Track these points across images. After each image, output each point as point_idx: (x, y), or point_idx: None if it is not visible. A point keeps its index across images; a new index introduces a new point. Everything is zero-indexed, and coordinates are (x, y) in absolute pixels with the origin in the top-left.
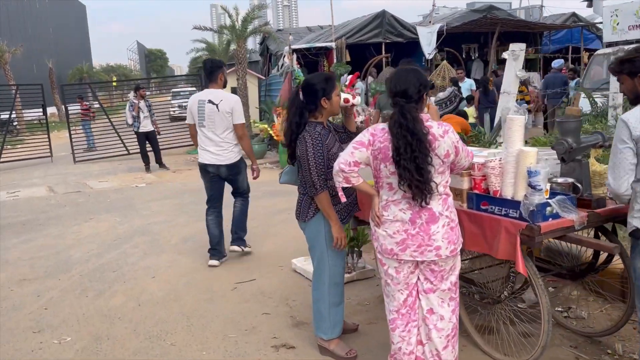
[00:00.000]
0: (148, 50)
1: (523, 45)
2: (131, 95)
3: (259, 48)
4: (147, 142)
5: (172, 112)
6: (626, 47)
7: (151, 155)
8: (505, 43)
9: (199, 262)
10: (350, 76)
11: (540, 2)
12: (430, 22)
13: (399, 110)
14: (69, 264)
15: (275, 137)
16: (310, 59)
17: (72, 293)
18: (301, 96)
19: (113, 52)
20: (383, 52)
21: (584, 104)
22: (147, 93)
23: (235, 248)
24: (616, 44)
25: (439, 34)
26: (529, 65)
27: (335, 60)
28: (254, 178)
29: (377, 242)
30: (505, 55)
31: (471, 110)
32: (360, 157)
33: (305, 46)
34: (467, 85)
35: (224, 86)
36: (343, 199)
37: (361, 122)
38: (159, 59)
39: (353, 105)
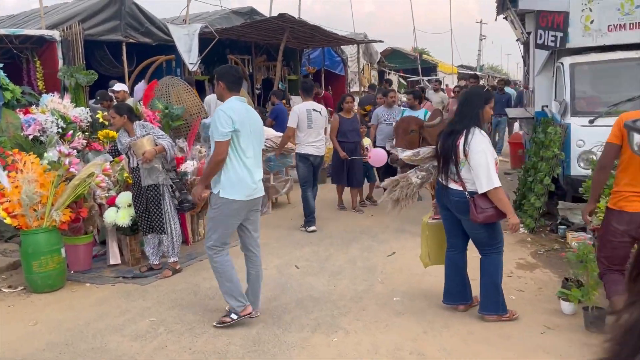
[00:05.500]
0: None
1: None
2: None
3: None
4: None
5: None
6: (584, 59)
7: None
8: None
9: None
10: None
11: (298, 13)
12: (184, 20)
13: None
14: None
15: (8, 221)
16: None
17: None
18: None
19: None
20: (124, 55)
21: None
22: None
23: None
24: (589, 50)
25: (208, 39)
26: (290, 85)
27: (62, 62)
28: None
29: None
30: None
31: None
32: None
33: (7, 32)
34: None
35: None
36: None
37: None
38: None
39: None
